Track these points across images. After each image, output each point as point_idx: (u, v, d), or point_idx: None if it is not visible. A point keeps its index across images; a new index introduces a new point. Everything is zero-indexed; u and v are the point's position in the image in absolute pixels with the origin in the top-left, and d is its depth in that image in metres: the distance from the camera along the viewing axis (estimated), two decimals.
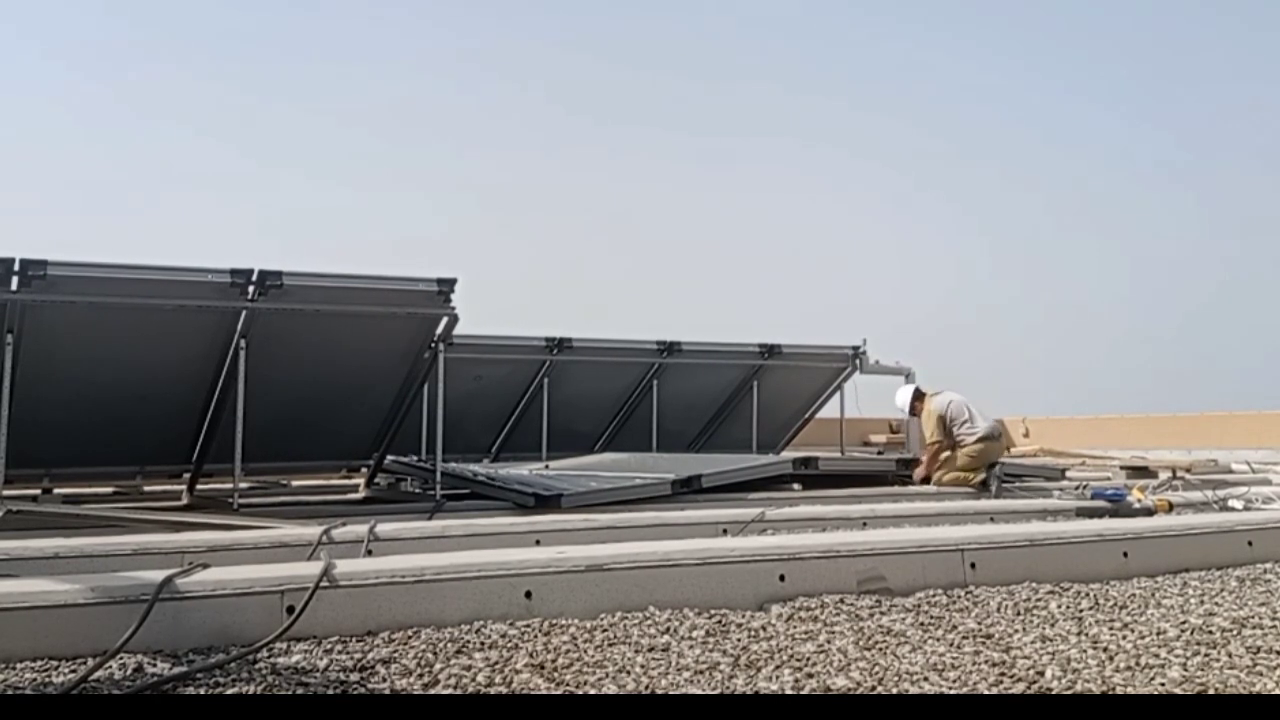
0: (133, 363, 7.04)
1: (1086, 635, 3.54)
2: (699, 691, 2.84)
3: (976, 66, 36.26)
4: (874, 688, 2.89)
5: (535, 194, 37.30)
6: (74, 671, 2.93)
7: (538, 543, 4.96)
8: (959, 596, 4.20)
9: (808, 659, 3.17)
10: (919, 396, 9.25)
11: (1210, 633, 3.59)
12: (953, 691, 2.87)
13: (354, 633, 3.41)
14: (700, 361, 11.11)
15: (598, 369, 10.77)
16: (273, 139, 36.15)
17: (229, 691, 2.80)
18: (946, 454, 8.74)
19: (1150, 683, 2.96)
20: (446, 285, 7.32)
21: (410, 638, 3.36)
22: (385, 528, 5.08)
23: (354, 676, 2.95)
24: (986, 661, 3.17)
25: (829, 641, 3.39)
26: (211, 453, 7.63)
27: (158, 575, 3.35)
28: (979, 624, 3.70)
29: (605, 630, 3.51)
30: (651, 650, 3.26)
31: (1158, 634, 3.56)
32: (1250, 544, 5.33)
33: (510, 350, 10.25)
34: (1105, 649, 3.33)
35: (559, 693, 2.84)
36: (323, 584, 3.44)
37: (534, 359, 10.42)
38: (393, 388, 7.93)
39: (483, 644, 3.31)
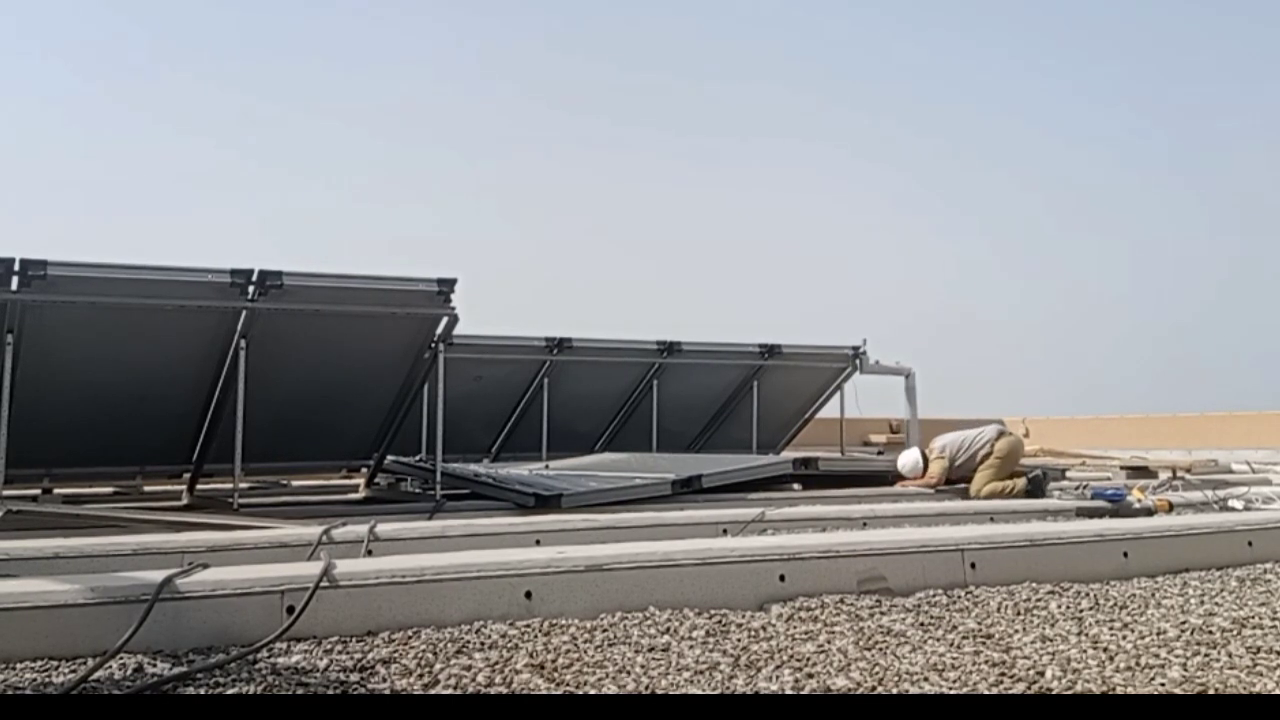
0: (133, 363, 7.04)
1: (1086, 635, 3.54)
2: (699, 691, 2.84)
3: (977, 66, 36.27)
4: (874, 688, 2.89)
5: (535, 194, 37.33)
6: (74, 671, 2.93)
7: (538, 543, 4.96)
8: (959, 596, 4.20)
9: (808, 659, 3.17)
10: (924, 456, 8.96)
11: (1210, 633, 3.59)
12: (953, 691, 2.87)
13: (354, 633, 3.41)
14: (700, 361, 11.10)
15: (598, 369, 10.76)
16: (273, 139, 36.17)
17: (229, 691, 2.80)
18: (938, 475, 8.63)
19: (1150, 683, 2.96)
20: (446, 285, 7.32)
21: (410, 638, 3.36)
22: (385, 528, 5.08)
23: (354, 676, 2.95)
24: (986, 661, 3.17)
25: (829, 641, 3.39)
26: (211, 453, 7.63)
27: (158, 575, 3.35)
28: (979, 624, 3.70)
29: (605, 630, 3.51)
30: (651, 650, 3.26)
31: (1158, 634, 3.56)
32: (1250, 544, 5.33)
33: (510, 350, 10.25)
34: (1105, 649, 3.33)
35: (559, 693, 2.84)
36: (323, 584, 3.44)
37: (534, 359, 10.42)
38: (393, 388, 7.93)
39: (483, 644, 3.31)
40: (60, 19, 32.59)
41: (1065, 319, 35.32)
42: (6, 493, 6.36)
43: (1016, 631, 3.60)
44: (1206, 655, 3.28)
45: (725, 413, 11.71)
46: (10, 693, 2.78)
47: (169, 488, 8.12)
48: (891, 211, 37.20)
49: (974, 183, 36.95)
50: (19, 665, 3.00)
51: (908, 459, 8.91)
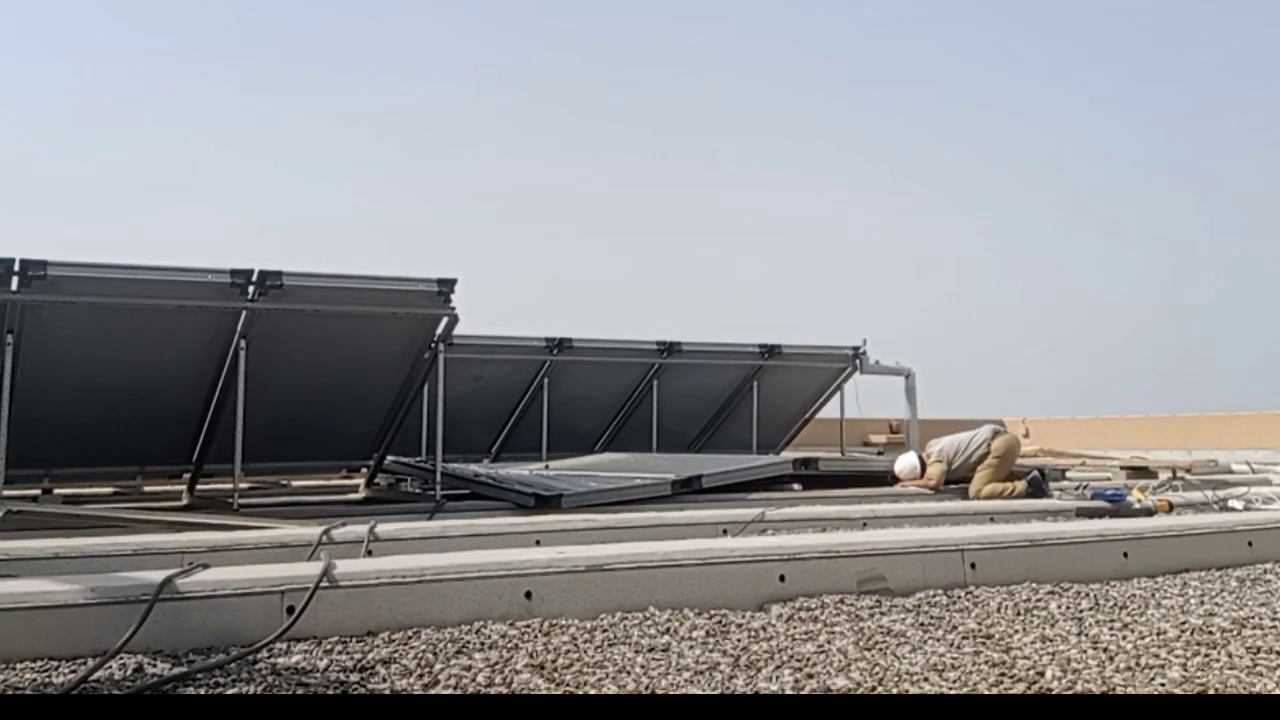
0: (133, 363, 7.04)
1: (1086, 635, 3.54)
2: (699, 691, 2.84)
3: (978, 66, 36.26)
4: (874, 688, 2.89)
5: (536, 194, 37.34)
6: (74, 671, 2.93)
7: (538, 543, 4.96)
8: (959, 597, 4.20)
9: (808, 659, 3.17)
10: (920, 460, 8.93)
11: (1210, 633, 3.59)
12: (953, 692, 2.87)
13: (354, 633, 3.41)
14: (700, 362, 11.10)
15: (598, 369, 10.76)
16: (274, 141, 36.18)
17: (229, 691, 2.80)
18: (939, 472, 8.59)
19: (1150, 683, 2.96)
20: (446, 285, 7.32)
21: (410, 638, 3.36)
22: (385, 528, 5.08)
23: (354, 677, 2.95)
24: (986, 662, 3.17)
25: (829, 642, 3.39)
26: (211, 453, 7.63)
27: (158, 575, 3.35)
28: (979, 624, 3.70)
29: (605, 630, 3.51)
30: (651, 650, 3.26)
31: (1158, 634, 3.56)
32: (1250, 544, 5.33)
33: (510, 350, 10.25)
34: (1105, 649, 3.33)
35: (559, 693, 2.84)
36: (323, 584, 3.44)
37: (534, 359, 10.42)
38: (393, 388, 7.93)
39: (483, 644, 3.31)
40: (61, 19, 32.60)
41: (1066, 319, 35.35)
42: (6, 493, 6.36)
43: (1016, 631, 3.60)
44: (1206, 655, 3.28)
45: (725, 413, 11.71)
46: (10, 693, 2.78)
47: (169, 488, 8.13)
48: (893, 212, 37.23)
49: (975, 183, 36.97)
50: (19, 665, 3.00)
51: (904, 463, 8.90)
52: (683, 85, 37.20)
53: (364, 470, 8.76)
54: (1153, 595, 4.32)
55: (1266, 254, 33.04)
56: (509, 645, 3.30)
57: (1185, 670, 3.08)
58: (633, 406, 11.20)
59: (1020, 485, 8.21)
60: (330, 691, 2.82)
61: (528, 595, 3.69)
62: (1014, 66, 36.78)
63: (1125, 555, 4.88)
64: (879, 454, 12.11)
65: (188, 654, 3.13)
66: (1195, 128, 35.67)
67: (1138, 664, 3.14)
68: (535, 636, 3.41)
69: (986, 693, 2.88)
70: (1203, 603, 4.15)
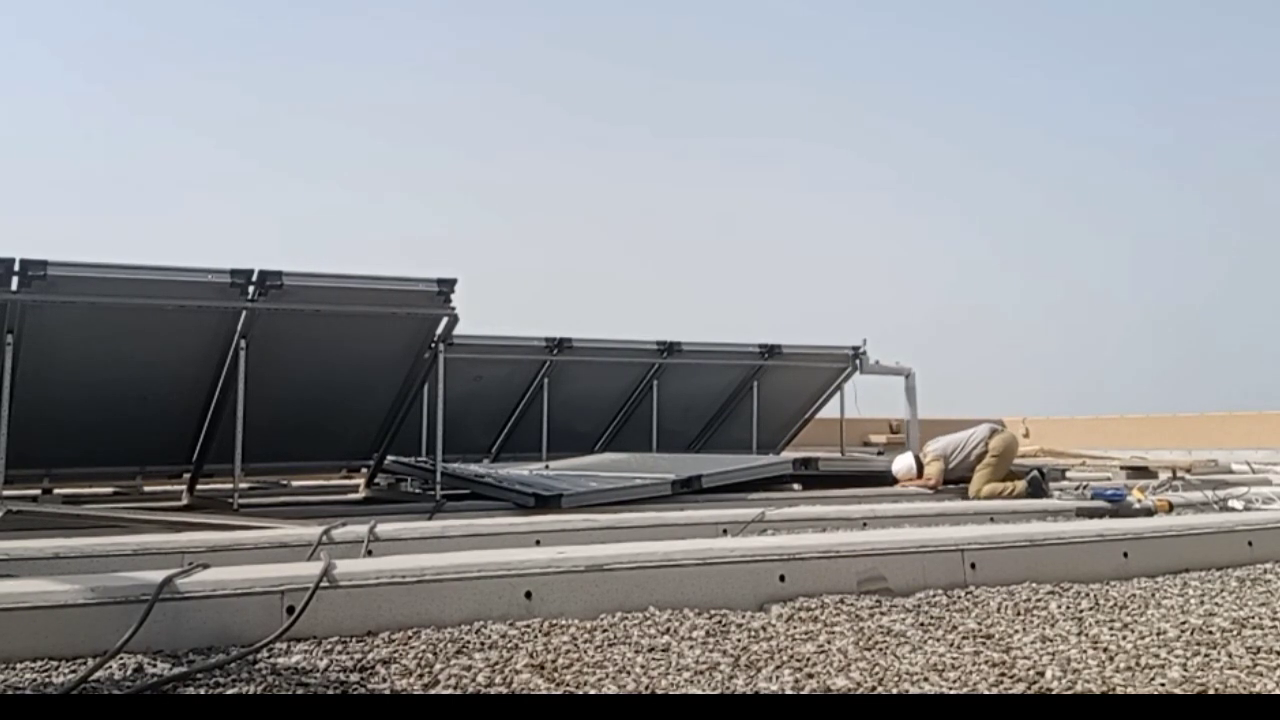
0: (133, 363, 7.04)
1: (1086, 635, 3.54)
2: (699, 691, 2.84)
3: (977, 65, 36.27)
4: (874, 688, 2.89)
5: (536, 194, 37.35)
6: (74, 671, 2.93)
7: (538, 543, 4.96)
8: (959, 596, 4.20)
9: (808, 659, 3.17)
10: (917, 460, 8.91)
11: (1210, 633, 3.59)
12: (953, 691, 2.87)
13: (354, 633, 3.41)
14: (700, 362, 11.11)
15: (598, 369, 10.77)
16: (273, 140, 36.19)
17: (229, 691, 2.80)
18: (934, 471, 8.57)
19: (1150, 683, 2.96)
20: (446, 285, 7.32)
21: (410, 638, 3.36)
22: (385, 528, 5.08)
23: (354, 677, 2.95)
24: (986, 662, 3.17)
25: (829, 642, 3.39)
26: (211, 453, 7.63)
27: (158, 575, 3.35)
28: (979, 624, 3.70)
29: (605, 630, 3.51)
30: (651, 650, 3.26)
31: (1158, 634, 3.56)
32: (1250, 544, 5.33)
33: (510, 350, 10.26)
34: (1105, 649, 3.33)
35: (559, 693, 2.84)
36: (323, 584, 3.44)
37: (534, 359, 10.43)
38: (393, 388, 7.93)
39: (483, 644, 3.31)
40: (61, 18, 32.61)
41: (1066, 318, 35.37)
42: (6, 493, 6.36)
43: (1016, 631, 3.60)
44: (1206, 655, 3.28)
45: (725, 413, 11.71)
46: (10, 693, 2.78)
47: (169, 488, 8.13)
48: (892, 212, 37.24)
49: (974, 182, 36.99)
50: (19, 665, 3.00)
51: (901, 463, 8.90)
52: (683, 85, 37.21)
53: (364, 470, 8.76)
54: (1153, 595, 4.32)
55: (1268, 254, 33.05)
56: (509, 645, 3.30)
57: (1185, 670, 3.08)
58: (633, 406, 11.20)
59: (1020, 485, 8.20)
60: (330, 691, 2.82)
61: (528, 595, 3.69)
62: (1012, 64, 36.79)
63: (1125, 555, 4.88)
64: (879, 454, 12.11)
65: (188, 654, 3.13)
66: (1198, 125, 35.70)
67: (1138, 664, 3.14)
68: (535, 636, 3.41)
69: (986, 693, 2.88)
70: (1203, 603, 4.15)
